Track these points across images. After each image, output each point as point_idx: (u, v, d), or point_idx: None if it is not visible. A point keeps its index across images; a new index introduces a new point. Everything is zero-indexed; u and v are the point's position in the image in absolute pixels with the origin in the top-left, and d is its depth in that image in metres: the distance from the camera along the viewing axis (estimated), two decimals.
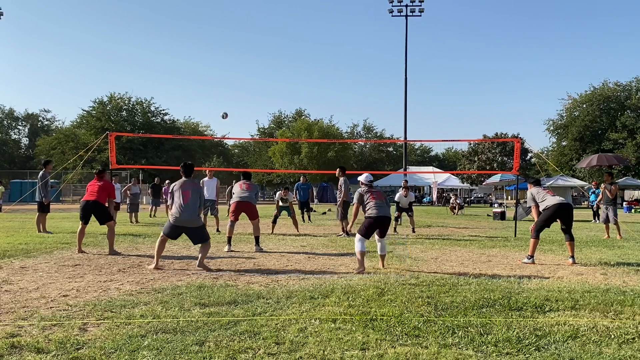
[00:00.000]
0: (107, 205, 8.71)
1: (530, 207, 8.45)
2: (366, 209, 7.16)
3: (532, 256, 7.85)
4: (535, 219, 8.10)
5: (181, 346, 3.51)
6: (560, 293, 5.31)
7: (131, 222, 15.91)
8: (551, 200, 7.92)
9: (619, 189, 12.86)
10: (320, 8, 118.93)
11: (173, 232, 7.03)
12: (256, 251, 8.86)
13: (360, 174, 7.61)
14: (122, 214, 16.49)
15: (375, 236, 7.22)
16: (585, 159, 25.44)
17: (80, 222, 8.62)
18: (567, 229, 7.91)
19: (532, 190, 8.30)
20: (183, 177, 7.19)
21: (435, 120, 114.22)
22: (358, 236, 6.98)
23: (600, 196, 12.68)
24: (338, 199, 12.44)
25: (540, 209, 8.02)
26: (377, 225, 7.05)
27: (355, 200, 7.32)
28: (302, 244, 10.18)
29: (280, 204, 13.31)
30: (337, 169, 12.41)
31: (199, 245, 7.07)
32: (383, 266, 7.09)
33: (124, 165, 34.28)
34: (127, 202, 16.78)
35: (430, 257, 8.26)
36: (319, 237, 11.49)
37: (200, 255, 7.00)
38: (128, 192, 16.71)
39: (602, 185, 12.67)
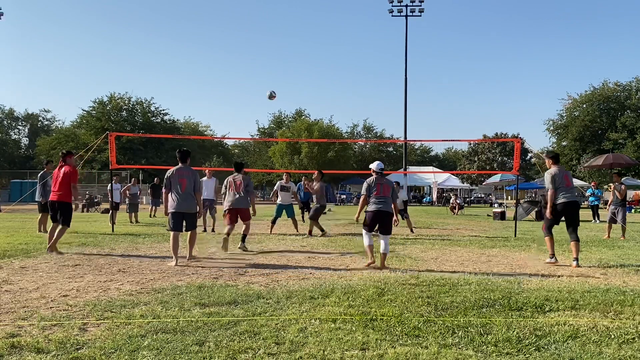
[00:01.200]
0: (72, 198, 8.60)
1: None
2: (368, 202, 7.30)
3: (553, 255, 7.71)
4: (549, 204, 7.72)
5: (181, 346, 3.51)
6: (560, 293, 5.31)
7: (131, 222, 15.92)
8: (562, 197, 7.65)
9: (626, 189, 12.85)
10: (320, 8, 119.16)
11: (177, 222, 7.41)
12: (239, 247, 8.87)
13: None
14: (122, 214, 16.49)
15: (379, 234, 7.26)
16: (599, 157, 25.26)
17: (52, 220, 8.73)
18: (572, 229, 7.66)
19: (552, 170, 7.79)
20: (179, 164, 7.57)
21: (435, 120, 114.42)
22: (364, 230, 7.29)
23: (610, 197, 12.59)
24: (311, 201, 11.97)
25: (556, 201, 7.67)
26: (376, 220, 7.19)
27: (363, 192, 7.41)
28: (302, 244, 10.17)
29: (280, 199, 12.90)
30: (317, 172, 12.32)
31: (188, 235, 7.61)
32: (383, 265, 7.08)
33: (124, 165, 34.27)
34: (127, 202, 16.79)
35: (430, 257, 8.25)
36: (319, 237, 11.48)
37: (188, 249, 7.60)
38: (127, 192, 16.72)
39: (612, 186, 12.62)
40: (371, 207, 7.20)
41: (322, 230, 11.81)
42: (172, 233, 7.38)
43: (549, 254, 7.77)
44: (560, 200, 7.66)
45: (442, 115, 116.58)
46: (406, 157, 48.34)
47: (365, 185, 7.36)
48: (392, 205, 7.38)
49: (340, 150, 49.17)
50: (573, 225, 7.69)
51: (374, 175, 7.40)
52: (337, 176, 49.28)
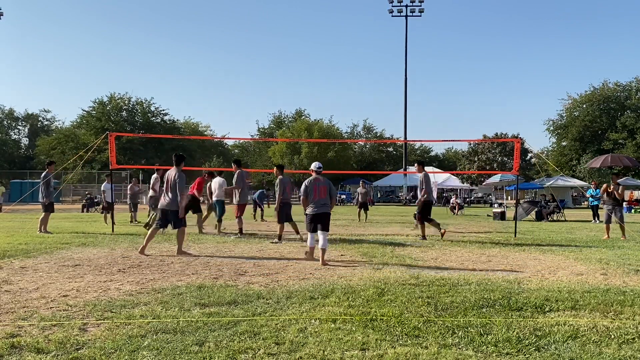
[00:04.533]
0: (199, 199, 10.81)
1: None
2: (307, 205, 7.63)
3: (424, 237, 10.80)
4: (422, 200, 11.07)
5: (181, 346, 3.51)
6: (560, 293, 5.31)
7: (131, 221, 15.91)
8: (431, 196, 11.21)
9: (624, 189, 12.88)
10: (320, 8, 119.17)
11: (161, 218, 8.25)
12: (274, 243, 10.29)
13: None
14: (122, 214, 16.50)
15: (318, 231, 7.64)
16: (597, 158, 25.30)
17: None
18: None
19: (424, 174, 11.01)
20: (174, 167, 8.20)
21: (435, 120, 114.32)
22: (308, 234, 7.83)
23: (606, 197, 12.56)
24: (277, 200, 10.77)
25: (426, 199, 11.01)
26: (316, 222, 7.60)
27: (301, 194, 7.72)
28: (302, 244, 10.16)
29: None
30: (275, 168, 11.15)
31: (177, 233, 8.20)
32: (323, 261, 7.30)
33: (124, 165, 34.28)
34: (128, 201, 16.80)
35: (430, 257, 8.25)
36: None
37: (177, 245, 8.16)
38: (129, 191, 16.74)
39: (610, 187, 12.59)
40: (309, 211, 7.61)
41: (279, 237, 10.36)
42: (153, 226, 8.41)
43: (422, 235, 11.00)
44: (431, 197, 11.26)
45: (442, 115, 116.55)
46: (406, 157, 48.39)
47: (303, 187, 7.68)
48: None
49: (340, 150, 49.16)
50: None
51: (313, 175, 7.76)
52: (337, 176, 49.32)
